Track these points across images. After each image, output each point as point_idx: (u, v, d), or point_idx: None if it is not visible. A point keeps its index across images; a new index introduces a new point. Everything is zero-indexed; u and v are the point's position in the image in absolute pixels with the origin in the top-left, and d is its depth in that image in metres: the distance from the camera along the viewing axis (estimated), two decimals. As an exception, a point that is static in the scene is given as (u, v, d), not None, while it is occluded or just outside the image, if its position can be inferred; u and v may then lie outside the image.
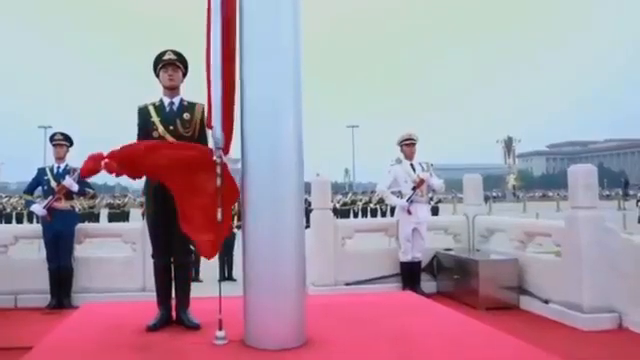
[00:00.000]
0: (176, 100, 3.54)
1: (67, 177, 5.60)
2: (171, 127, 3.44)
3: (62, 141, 5.77)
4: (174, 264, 3.48)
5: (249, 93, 2.94)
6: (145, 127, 3.51)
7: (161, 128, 3.43)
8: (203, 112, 3.48)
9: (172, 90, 3.54)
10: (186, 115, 3.49)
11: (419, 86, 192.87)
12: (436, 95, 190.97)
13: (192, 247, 3.54)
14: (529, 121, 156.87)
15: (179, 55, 3.55)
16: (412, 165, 6.02)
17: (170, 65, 3.51)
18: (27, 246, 6.56)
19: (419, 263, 5.91)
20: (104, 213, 25.18)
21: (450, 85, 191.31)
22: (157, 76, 3.59)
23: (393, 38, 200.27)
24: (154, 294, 3.48)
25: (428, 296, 5.29)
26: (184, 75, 3.61)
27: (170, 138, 3.42)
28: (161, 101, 3.55)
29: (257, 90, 2.91)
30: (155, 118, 3.47)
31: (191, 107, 3.52)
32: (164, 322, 3.36)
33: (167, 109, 3.51)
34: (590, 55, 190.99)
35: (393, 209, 6.29)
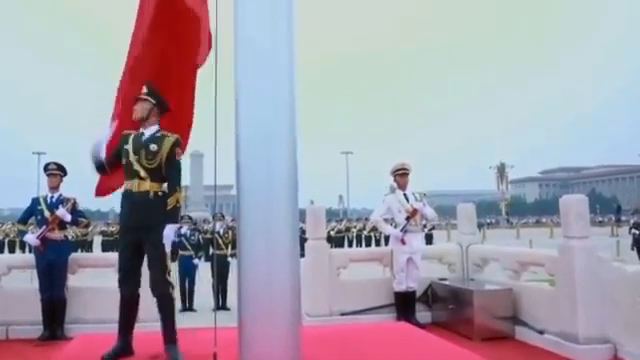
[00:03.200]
0: (147, 131, 3.61)
1: (60, 207, 5.59)
2: (137, 156, 3.52)
3: (56, 171, 5.78)
4: (155, 295, 3.45)
5: (244, 120, 2.97)
6: (119, 153, 3.62)
7: (131, 156, 3.53)
8: (172, 145, 3.54)
9: (141, 122, 3.62)
10: (153, 146, 3.53)
11: (413, 112, 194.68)
12: (430, 121, 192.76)
13: (171, 280, 3.53)
14: (522, 147, 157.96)
15: (150, 90, 3.64)
16: (405, 195, 6.07)
17: (139, 99, 3.62)
18: (20, 275, 6.50)
19: (413, 293, 5.90)
20: (97, 240, 25.04)
21: (443, 111, 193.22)
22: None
23: (386, 64, 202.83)
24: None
25: (423, 326, 5.28)
26: (155, 106, 3.64)
27: (136, 166, 3.49)
28: (137, 130, 3.65)
29: (251, 118, 2.94)
30: (129, 146, 3.57)
31: (161, 139, 3.56)
32: (118, 353, 3.33)
33: (139, 138, 3.59)
34: (582, 82, 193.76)
35: (387, 237, 6.31)
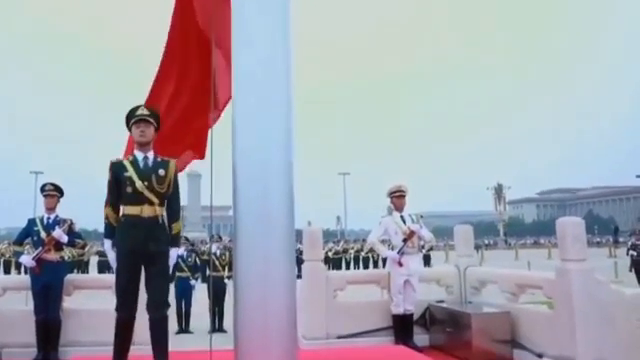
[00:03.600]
0: (150, 155, 3.59)
1: (57, 228, 5.57)
2: (146, 182, 3.47)
3: (53, 192, 5.77)
4: (150, 319, 3.43)
5: (240, 143, 2.99)
6: (118, 182, 3.53)
7: (138, 183, 3.46)
8: (176, 169, 3.57)
9: (144, 146, 3.58)
10: (161, 171, 3.53)
11: (411, 133, 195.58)
12: (428, 142, 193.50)
13: (167, 301, 3.53)
14: (519, 168, 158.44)
15: (151, 111, 3.61)
16: (402, 217, 6.07)
17: (142, 121, 3.56)
18: (15, 296, 6.45)
19: (411, 316, 5.87)
20: (94, 261, 24.86)
21: (441, 133, 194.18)
22: (129, 130, 3.66)
23: (383, 84, 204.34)
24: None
25: (421, 350, 5.24)
26: (156, 130, 3.66)
27: (147, 193, 3.46)
28: (135, 156, 3.58)
29: (248, 139, 2.96)
30: (131, 172, 3.49)
31: (165, 163, 3.57)
32: None
33: (141, 164, 3.54)
34: (580, 104, 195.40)
35: (385, 259, 6.29)
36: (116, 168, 3.54)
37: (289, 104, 3.02)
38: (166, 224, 3.56)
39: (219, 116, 3.85)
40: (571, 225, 4.81)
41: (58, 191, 5.82)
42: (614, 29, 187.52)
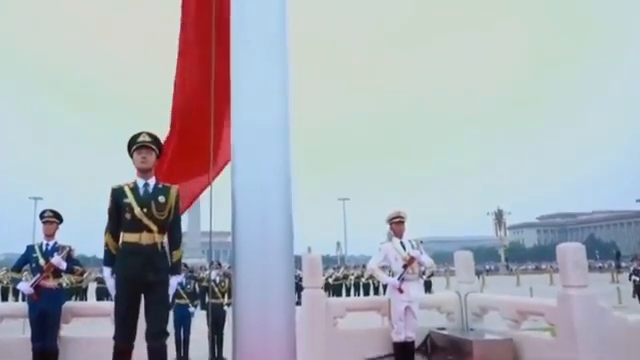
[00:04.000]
0: (150, 182, 3.58)
1: (56, 255, 5.56)
2: (145, 209, 3.46)
3: (52, 218, 5.77)
4: (148, 348, 3.39)
5: (239, 168, 2.99)
6: (118, 209, 3.52)
7: (137, 209, 3.45)
8: (177, 195, 3.55)
9: (145, 172, 3.58)
10: (161, 198, 3.52)
11: (410, 159, 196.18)
12: (427, 167, 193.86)
13: (166, 328, 3.50)
14: (518, 193, 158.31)
15: (153, 137, 3.62)
16: (402, 243, 6.05)
17: (144, 147, 3.56)
18: (12, 324, 6.39)
19: (412, 343, 5.80)
20: (92, 287, 24.66)
21: (440, 158, 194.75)
22: (131, 157, 3.65)
23: (383, 113, 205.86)
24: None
25: (422, 378, 5.17)
26: (158, 157, 3.67)
27: (145, 220, 3.44)
28: (135, 183, 3.58)
29: (247, 165, 2.97)
30: (131, 199, 3.49)
31: (166, 190, 3.56)
32: None
33: (142, 191, 3.54)
34: (579, 130, 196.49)
35: (386, 285, 6.25)
36: (116, 194, 3.54)
37: (287, 131, 3.04)
38: (167, 251, 3.54)
39: (219, 173, 3.75)
40: (571, 251, 4.80)
41: (57, 218, 5.82)
42: (618, 59, 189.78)
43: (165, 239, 3.54)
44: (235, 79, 3.03)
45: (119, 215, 3.51)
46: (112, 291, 3.53)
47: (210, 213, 3.41)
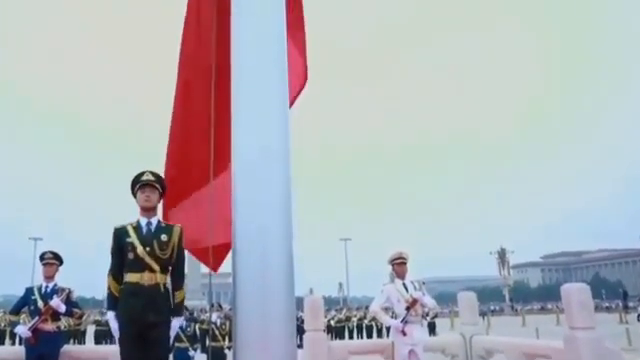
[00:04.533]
0: (153, 221, 3.58)
1: (55, 297, 5.50)
2: (148, 248, 3.45)
3: (52, 260, 5.74)
4: None
5: (240, 207, 3.00)
6: (120, 249, 3.50)
7: (139, 249, 3.44)
8: (180, 234, 3.54)
9: (149, 211, 3.58)
10: (163, 236, 3.51)
11: (411, 197, 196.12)
12: (428, 206, 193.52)
13: None
14: (521, 231, 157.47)
15: (157, 176, 3.62)
16: (404, 284, 5.98)
17: (147, 186, 3.57)
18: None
19: (417, 387, 5.66)
20: (91, 330, 24.26)
21: (441, 198, 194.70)
22: (134, 196, 3.65)
23: (384, 151, 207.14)
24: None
25: None
26: (161, 196, 3.67)
27: (148, 259, 3.43)
28: (138, 222, 3.58)
29: (247, 205, 2.97)
30: (133, 238, 3.48)
31: (168, 229, 3.56)
32: None
33: (144, 230, 3.53)
34: (579, 167, 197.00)
35: (389, 327, 6.14)
36: (119, 234, 3.53)
37: (288, 173, 3.06)
38: (169, 292, 3.50)
39: (221, 263, 3.71)
40: (576, 291, 4.74)
41: (57, 260, 5.78)
42: (620, 91, 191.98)
43: (168, 279, 3.51)
44: (235, 115, 3.06)
45: (122, 255, 3.50)
46: (116, 334, 3.48)
47: (210, 252, 3.39)
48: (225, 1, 3.28)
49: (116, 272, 3.53)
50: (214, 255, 3.44)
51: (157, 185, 3.61)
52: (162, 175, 3.65)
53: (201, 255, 3.64)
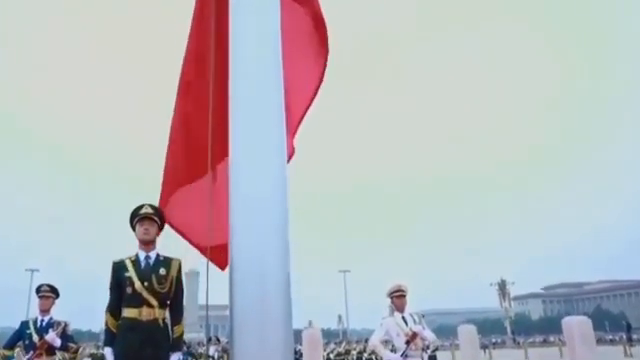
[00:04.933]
0: (152, 254, 3.56)
1: (50, 331, 5.43)
2: (146, 283, 3.42)
3: (48, 293, 5.69)
4: None
5: (237, 239, 2.99)
6: (119, 283, 3.47)
7: (137, 283, 3.41)
8: (179, 268, 3.52)
9: (147, 244, 3.57)
10: (162, 270, 3.49)
11: (410, 229, 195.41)
12: (427, 238, 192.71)
13: None
14: (520, 262, 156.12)
15: (156, 210, 3.61)
16: (404, 317, 5.92)
17: (146, 219, 3.56)
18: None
19: (418, 423, 5.55)
20: (85, 364, 23.85)
21: (439, 228, 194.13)
22: (133, 229, 3.64)
23: (381, 182, 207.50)
24: None
25: None
26: (160, 229, 3.66)
27: (145, 294, 3.40)
28: (137, 255, 3.56)
29: (245, 236, 2.96)
30: (132, 273, 3.46)
31: (167, 262, 3.54)
32: None
33: (143, 264, 3.51)
34: (580, 198, 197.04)
35: (389, 362, 6.05)
36: (117, 268, 3.51)
37: (284, 204, 3.06)
38: (168, 327, 3.46)
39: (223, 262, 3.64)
40: (577, 324, 4.71)
41: (54, 293, 5.73)
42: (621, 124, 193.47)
43: (166, 314, 3.48)
44: (233, 152, 3.09)
45: (120, 290, 3.47)
46: None
47: (207, 286, 3.37)
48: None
49: (114, 308, 3.50)
50: (213, 256, 3.35)
51: (156, 218, 3.60)
52: (160, 208, 3.64)
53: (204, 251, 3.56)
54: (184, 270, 4.14)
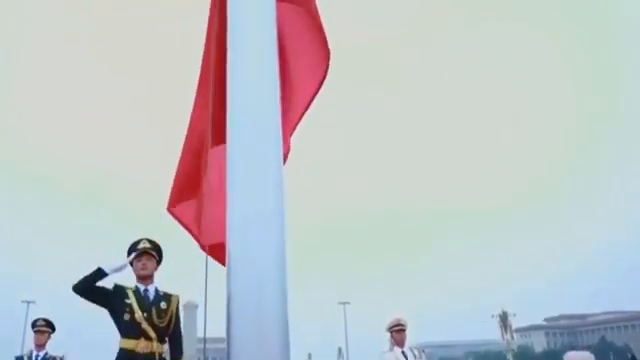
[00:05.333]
0: (151, 288, 3.56)
1: (46, 366, 5.36)
2: (146, 314, 3.40)
3: (44, 327, 5.64)
4: None
5: (234, 272, 2.97)
6: (116, 308, 3.45)
7: (138, 313, 3.40)
8: (178, 304, 3.50)
9: (145, 279, 3.56)
10: (163, 304, 3.50)
11: (410, 260, 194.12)
12: (426, 269, 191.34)
13: None
14: (521, 292, 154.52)
15: (154, 244, 3.62)
16: (404, 352, 5.85)
17: (144, 254, 3.55)
18: None
19: None
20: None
21: (442, 261, 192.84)
22: (131, 264, 3.62)
23: (382, 213, 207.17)
24: None
25: None
26: (158, 264, 3.65)
27: (145, 324, 3.37)
28: (137, 287, 3.56)
29: (242, 269, 2.94)
30: (133, 301, 3.44)
31: (167, 297, 3.54)
32: None
33: (143, 295, 3.50)
34: (580, 227, 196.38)
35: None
36: (119, 290, 3.50)
37: (282, 237, 3.06)
38: None
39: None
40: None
41: (50, 327, 5.68)
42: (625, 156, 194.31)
43: (165, 348, 3.44)
44: (230, 171, 3.09)
45: (117, 316, 3.44)
46: None
47: (205, 317, 3.33)
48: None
49: (89, 283, 3.40)
50: (212, 254, 3.26)
51: (154, 253, 3.60)
52: (159, 243, 3.65)
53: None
54: (182, 302, 4.11)
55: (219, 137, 3.24)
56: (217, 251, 3.28)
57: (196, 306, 50.07)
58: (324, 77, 3.31)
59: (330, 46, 3.36)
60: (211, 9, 3.54)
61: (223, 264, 3.43)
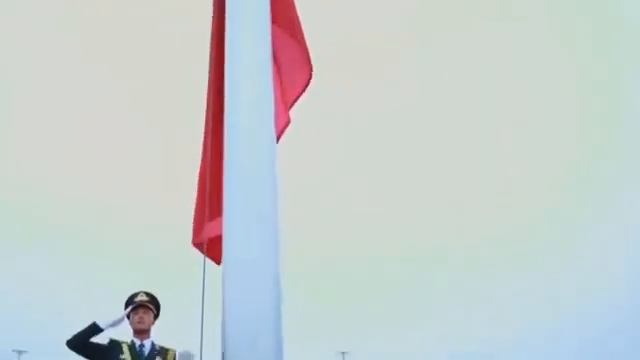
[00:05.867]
0: (147, 343, 3.47)
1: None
2: None
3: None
4: None
5: (229, 315, 2.93)
6: (103, 354, 3.37)
7: None
8: (174, 359, 3.44)
9: (142, 333, 3.48)
10: (158, 359, 3.42)
11: (411, 304, 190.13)
12: (427, 312, 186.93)
13: None
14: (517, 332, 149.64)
15: (151, 297, 3.55)
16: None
17: (141, 307, 3.47)
18: None
19: None
20: None
21: (439, 304, 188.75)
22: (127, 317, 3.54)
23: (382, 254, 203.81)
24: None
25: None
26: (156, 317, 3.58)
27: None
28: (132, 342, 3.47)
29: (237, 311, 2.91)
30: (127, 356, 3.37)
31: (164, 352, 3.46)
32: None
33: (138, 350, 3.42)
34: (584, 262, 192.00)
35: None
36: (114, 345, 3.42)
37: (278, 280, 3.04)
38: None
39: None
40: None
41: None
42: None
43: None
44: (227, 213, 3.09)
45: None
46: None
47: (203, 284, 3.25)
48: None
49: (78, 339, 3.38)
50: (210, 250, 3.15)
51: (151, 306, 3.54)
52: (156, 296, 3.60)
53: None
54: (179, 351, 4.05)
55: (215, 211, 3.26)
56: (213, 247, 3.17)
57: (192, 356, 48.71)
58: (306, 86, 3.34)
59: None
60: (212, 19, 3.66)
61: (217, 262, 3.36)
